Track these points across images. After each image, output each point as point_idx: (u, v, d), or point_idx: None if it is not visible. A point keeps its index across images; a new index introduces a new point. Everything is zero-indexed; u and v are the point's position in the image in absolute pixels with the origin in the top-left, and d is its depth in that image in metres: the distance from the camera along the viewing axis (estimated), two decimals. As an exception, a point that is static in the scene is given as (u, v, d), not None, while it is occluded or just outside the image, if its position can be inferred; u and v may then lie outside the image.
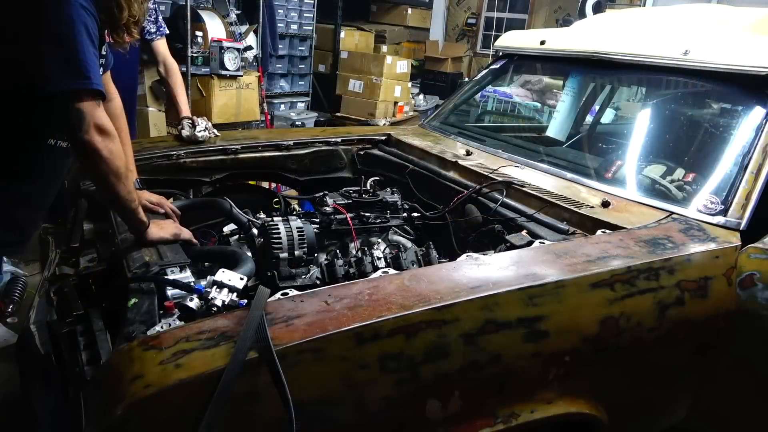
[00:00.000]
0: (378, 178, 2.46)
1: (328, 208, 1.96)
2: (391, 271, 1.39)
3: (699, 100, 2.28)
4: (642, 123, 2.36)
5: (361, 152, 2.67)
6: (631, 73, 2.34)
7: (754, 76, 1.85)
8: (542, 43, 2.58)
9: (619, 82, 2.74)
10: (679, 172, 1.95)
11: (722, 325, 1.56)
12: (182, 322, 1.16)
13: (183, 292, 1.27)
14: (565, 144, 2.72)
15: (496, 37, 2.92)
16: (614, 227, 1.66)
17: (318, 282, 1.70)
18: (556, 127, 2.80)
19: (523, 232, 1.75)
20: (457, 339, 1.16)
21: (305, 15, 5.68)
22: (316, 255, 1.75)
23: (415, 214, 2.12)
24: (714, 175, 1.85)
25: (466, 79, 7.29)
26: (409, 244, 2.03)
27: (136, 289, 1.28)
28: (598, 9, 6.81)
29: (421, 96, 7.06)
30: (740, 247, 1.62)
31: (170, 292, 1.29)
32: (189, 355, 1.00)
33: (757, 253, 1.60)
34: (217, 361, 0.99)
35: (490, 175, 2.06)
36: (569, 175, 2.06)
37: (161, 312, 1.22)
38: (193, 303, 1.21)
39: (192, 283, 1.29)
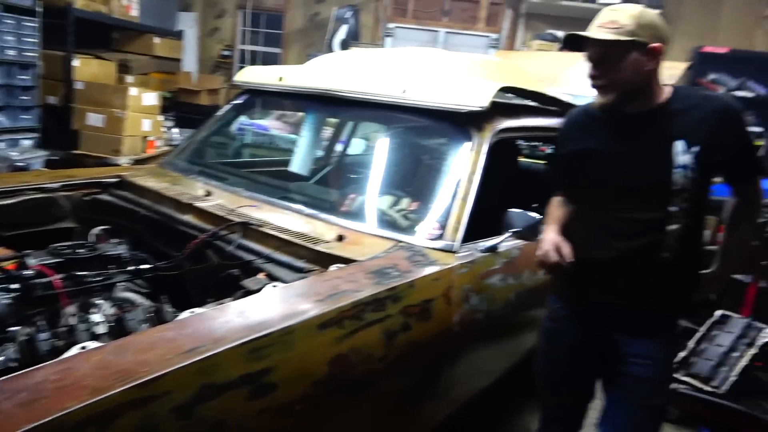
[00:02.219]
0: (107, 227, 2.19)
1: (28, 271, 1.65)
2: (94, 344, 1.19)
3: (419, 134, 2.51)
4: (373, 156, 2.51)
5: (87, 198, 2.35)
6: (359, 110, 2.48)
7: (458, 113, 2.09)
8: (281, 79, 2.60)
9: (351, 118, 2.89)
10: (405, 202, 2.11)
11: (445, 341, 1.70)
12: None
13: None
14: (310, 180, 2.76)
15: (251, 70, 2.86)
16: (347, 261, 1.70)
17: (17, 364, 1.41)
18: (298, 162, 2.83)
19: (261, 275, 1.70)
20: (167, 415, 1.03)
21: (26, 40, 4.94)
22: (8, 330, 1.45)
23: (145, 266, 1.91)
24: (433, 203, 2.03)
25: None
26: (141, 300, 1.82)
27: None
28: (345, 46, 7.27)
29: (177, 129, 6.66)
30: (456, 267, 1.79)
31: None
32: None
33: (462, 269, 1.79)
34: None
35: (226, 216, 1.97)
36: (308, 210, 2.07)
37: None
38: None
39: None
